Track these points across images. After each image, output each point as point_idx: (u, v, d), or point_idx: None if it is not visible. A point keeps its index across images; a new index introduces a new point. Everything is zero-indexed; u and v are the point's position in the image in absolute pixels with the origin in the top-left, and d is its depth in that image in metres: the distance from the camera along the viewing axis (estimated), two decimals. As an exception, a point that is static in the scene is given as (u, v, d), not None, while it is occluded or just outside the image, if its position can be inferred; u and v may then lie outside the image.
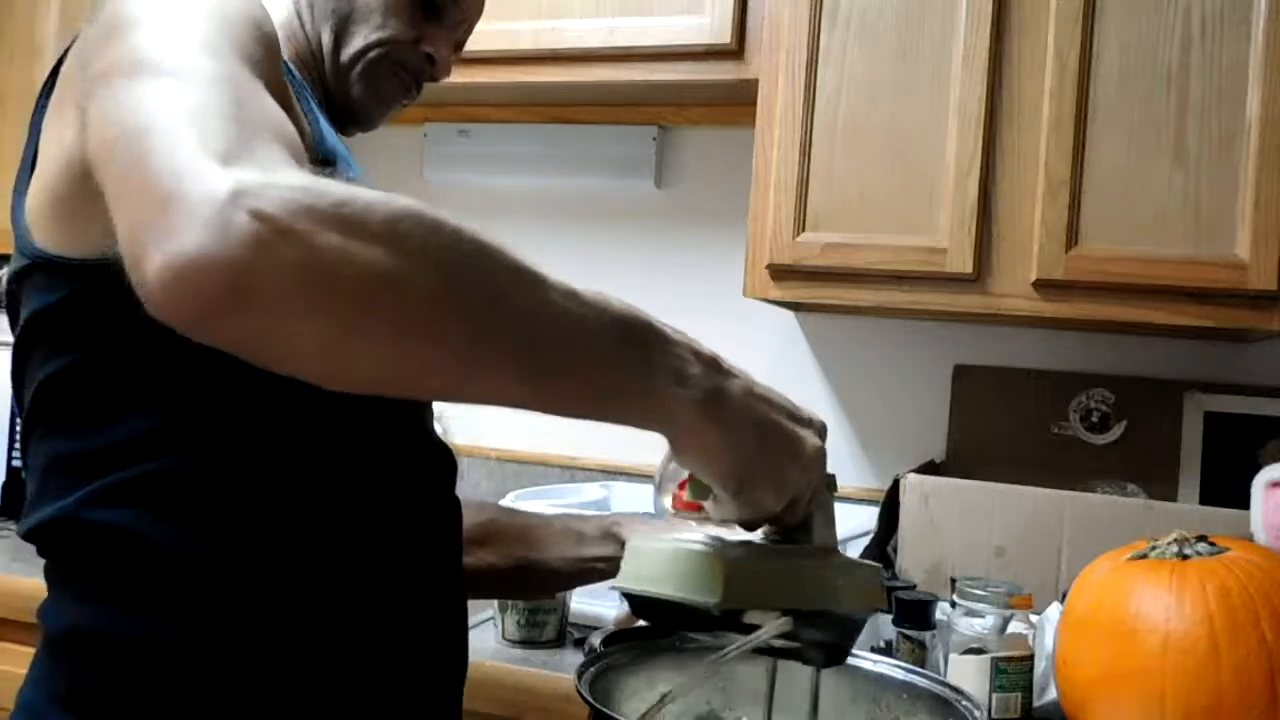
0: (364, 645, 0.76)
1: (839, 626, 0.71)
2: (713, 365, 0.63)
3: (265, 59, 0.68)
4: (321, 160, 0.77)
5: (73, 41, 0.73)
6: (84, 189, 0.65)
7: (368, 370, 0.52)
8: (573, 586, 1.13)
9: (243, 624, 0.71)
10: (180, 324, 0.49)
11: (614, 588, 0.70)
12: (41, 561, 0.77)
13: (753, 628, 0.66)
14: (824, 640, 0.70)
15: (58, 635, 0.73)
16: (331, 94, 0.94)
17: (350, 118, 0.97)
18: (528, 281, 0.56)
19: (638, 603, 0.68)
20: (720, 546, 0.66)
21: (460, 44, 1.03)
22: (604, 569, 1.03)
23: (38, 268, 0.72)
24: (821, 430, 0.68)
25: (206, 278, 0.48)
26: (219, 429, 0.71)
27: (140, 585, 0.70)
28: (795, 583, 0.68)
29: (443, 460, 0.88)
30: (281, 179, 0.51)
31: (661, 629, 0.71)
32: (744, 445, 0.63)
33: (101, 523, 0.70)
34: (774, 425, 0.64)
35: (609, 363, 0.58)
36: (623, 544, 0.99)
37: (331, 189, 0.51)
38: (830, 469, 0.69)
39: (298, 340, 0.50)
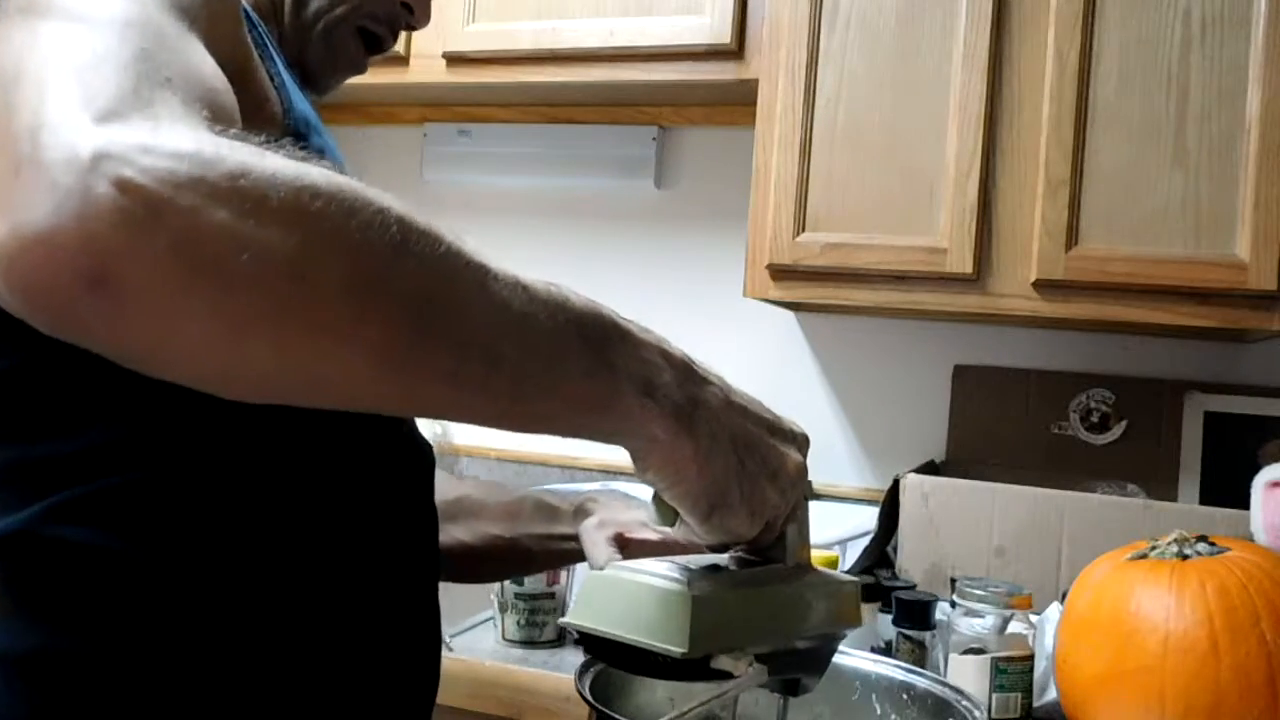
0: (336, 657, 0.72)
1: (810, 655, 0.66)
2: (685, 371, 0.56)
3: (208, 7, 0.58)
4: (293, 132, 0.67)
5: None
6: None
7: (269, 378, 0.44)
8: (547, 568, 1.03)
9: (219, 641, 0.66)
10: (33, 317, 0.41)
11: (565, 624, 0.61)
12: None
13: (720, 673, 0.58)
14: (794, 674, 0.65)
15: (12, 657, 0.65)
16: (285, 51, 0.82)
17: (305, 81, 0.85)
18: (466, 273, 0.47)
19: (591, 642, 0.59)
20: (686, 582, 0.57)
21: None
22: (574, 549, 0.93)
23: None
24: (803, 444, 0.61)
25: (57, 260, 0.39)
26: (183, 438, 0.64)
27: (106, 605, 0.64)
28: (768, 619, 0.61)
29: (420, 460, 0.82)
30: (168, 141, 0.42)
31: (619, 668, 0.62)
32: (717, 464, 0.55)
33: (64, 539, 0.63)
34: (752, 441, 0.57)
35: (565, 369, 0.51)
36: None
37: (230, 155, 0.42)
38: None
39: (178, 341, 0.41)
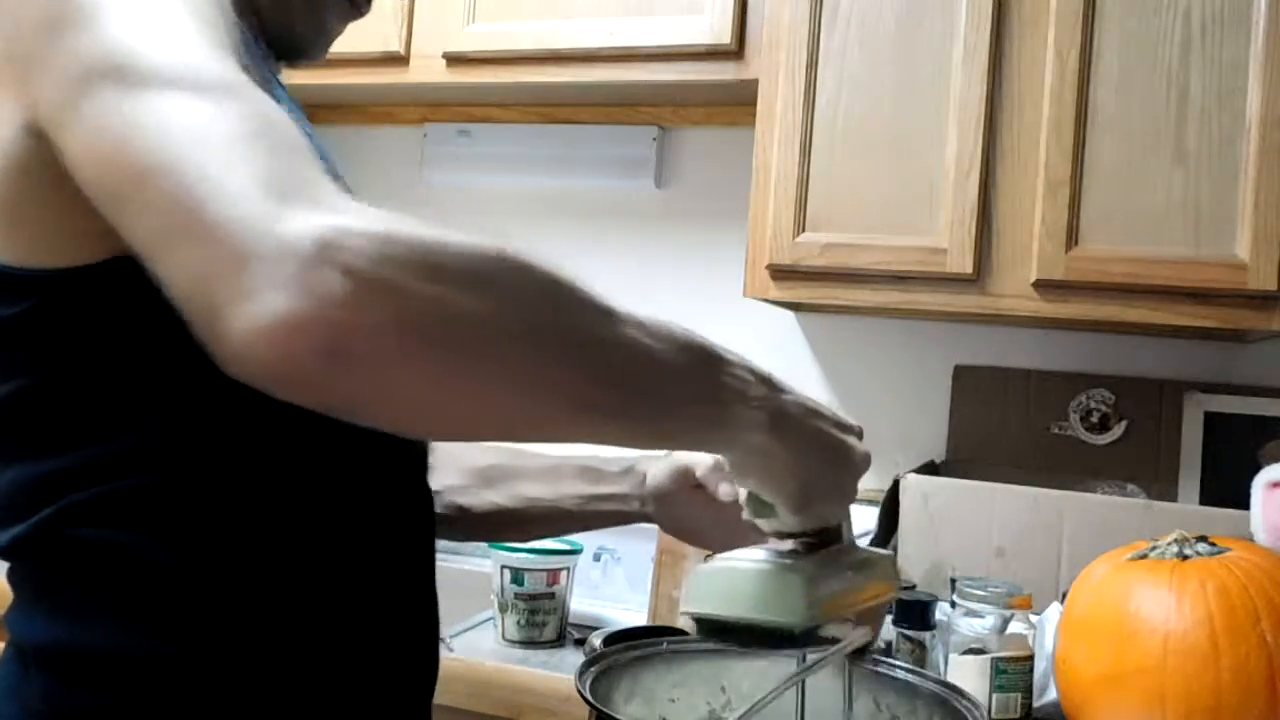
0: (342, 650, 0.74)
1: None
2: (770, 384, 0.63)
3: (230, 35, 0.61)
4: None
5: None
6: (38, 194, 0.61)
7: (472, 420, 0.51)
8: (587, 528, 1.06)
9: (231, 634, 0.69)
10: (269, 387, 0.47)
11: (685, 613, 0.69)
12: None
13: (829, 640, 0.67)
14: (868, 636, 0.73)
15: (30, 647, 0.69)
16: (267, 24, 0.82)
17: (293, 50, 0.85)
18: (607, 318, 0.54)
19: (708, 626, 0.67)
20: (793, 564, 0.66)
21: None
22: (620, 510, 0.99)
23: None
24: (860, 434, 0.70)
25: (300, 341, 0.45)
26: (192, 443, 0.68)
27: (122, 601, 0.67)
28: (859, 589, 0.70)
29: (416, 455, 0.84)
30: (357, 223, 0.48)
31: (734, 647, 0.71)
32: (807, 463, 0.64)
33: (84, 539, 0.66)
34: (830, 439, 0.66)
35: (686, 393, 0.58)
36: (643, 479, 0.97)
37: (405, 230, 0.49)
38: None
39: (400, 396, 0.48)
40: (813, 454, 0.65)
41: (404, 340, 0.47)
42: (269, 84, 0.70)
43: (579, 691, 0.73)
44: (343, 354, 0.46)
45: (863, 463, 0.68)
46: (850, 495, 0.68)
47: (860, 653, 0.73)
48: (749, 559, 0.67)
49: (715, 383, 0.59)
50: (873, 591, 0.72)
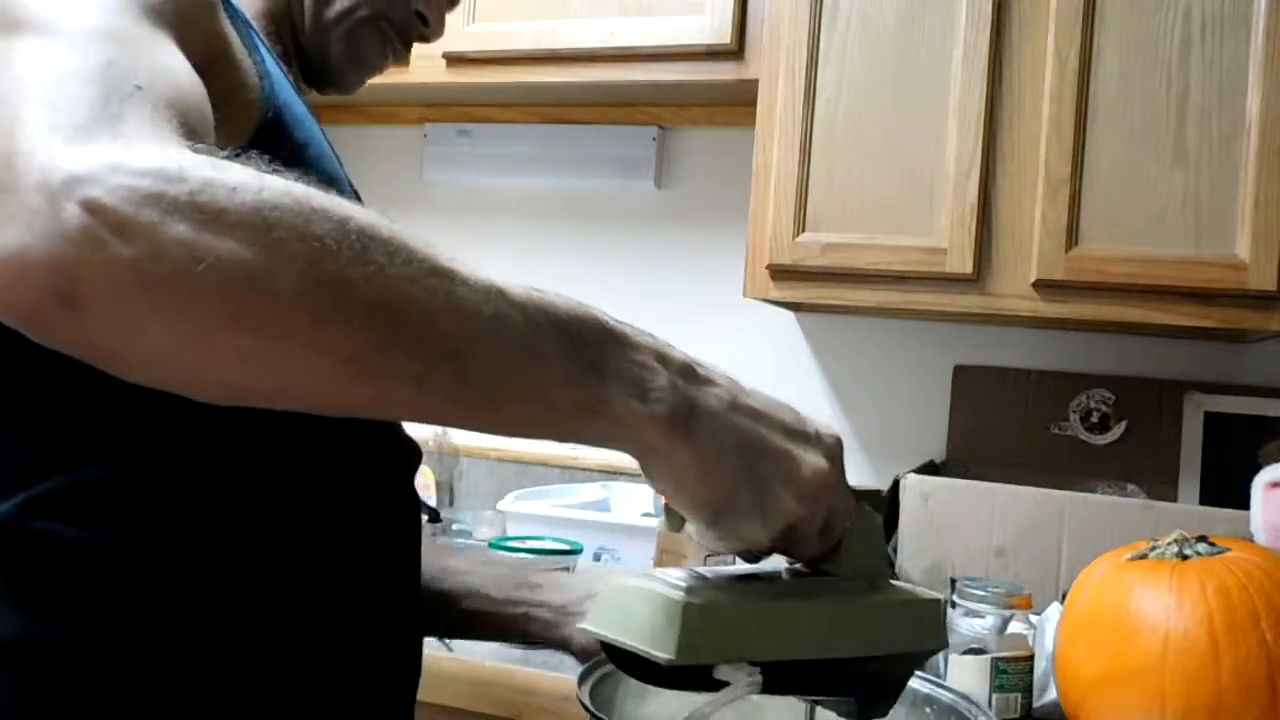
0: (316, 647, 0.72)
1: (875, 675, 0.62)
2: (685, 374, 0.54)
3: (183, 3, 0.60)
4: (271, 120, 0.69)
5: None
6: None
7: (235, 383, 0.46)
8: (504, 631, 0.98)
9: (198, 631, 0.67)
10: (13, 325, 0.44)
11: (579, 629, 0.62)
12: None
13: (723, 684, 0.57)
14: (855, 693, 0.62)
15: None
16: (307, 53, 0.87)
17: (327, 78, 0.90)
18: (431, 278, 0.47)
19: (606, 648, 0.59)
20: (685, 589, 0.55)
21: (454, 2, 0.96)
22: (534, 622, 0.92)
23: None
24: (831, 448, 0.59)
25: (28, 279, 0.42)
26: (157, 433, 0.65)
27: (87, 595, 0.65)
28: (788, 633, 0.58)
29: (403, 454, 0.82)
30: (133, 159, 0.44)
31: (630, 674, 0.60)
32: (720, 468, 0.54)
33: (46, 532, 0.64)
34: (761, 444, 0.55)
35: (544, 372, 0.50)
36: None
37: (193, 170, 0.44)
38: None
39: (145, 347, 0.44)
40: (730, 459, 0.54)
41: (140, 287, 0.42)
42: (263, 75, 0.70)
43: (579, 700, 0.72)
44: (73, 297, 0.42)
45: (814, 478, 0.56)
46: (785, 515, 0.56)
47: (865, 708, 0.62)
48: (654, 578, 0.57)
49: (594, 366, 0.51)
50: (845, 638, 0.59)
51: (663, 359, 0.54)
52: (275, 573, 0.70)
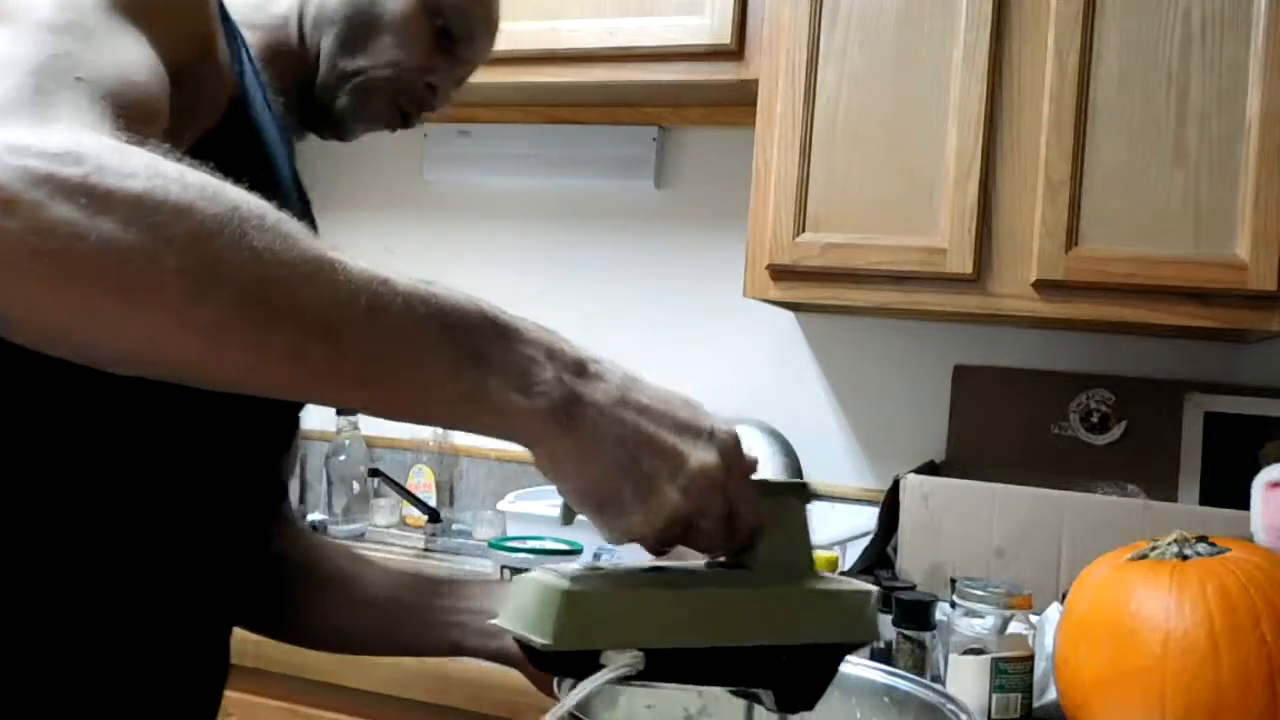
0: (125, 648, 0.73)
1: (795, 667, 0.62)
2: (575, 368, 0.55)
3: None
4: (231, 121, 0.71)
5: None
6: None
7: (120, 353, 0.49)
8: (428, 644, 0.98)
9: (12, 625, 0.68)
10: None
11: (489, 623, 0.64)
12: None
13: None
14: (771, 686, 0.62)
15: None
16: (315, 97, 0.91)
17: (329, 125, 0.93)
18: (309, 264, 0.49)
19: (518, 643, 0.60)
20: (578, 576, 0.57)
21: (461, 81, 0.99)
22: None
23: None
24: (724, 444, 0.58)
25: None
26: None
27: None
28: (680, 622, 0.59)
29: (262, 438, 0.82)
30: (42, 143, 0.47)
31: (535, 665, 0.61)
32: (600, 460, 0.55)
33: None
34: (646, 438, 0.56)
35: (420, 359, 0.52)
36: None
37: (95, 155, 0.47)
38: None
39: (36, 319, 0.47)
40: (610, 452, 0.55)
41: (20, 262, 0.45)
42: (238, 78, 0.72)
43: (556, 696, 0.71)
44: None
45: (700, 473, 0.56)
46: (668, 507, 0.56)
47: (785, 698, 0.63)
48: (550, 571, 0.59)
49: (476, 356, 0.53)
50: (705, 630, 0.60)
51: (552, 353, 0.55)
52: (87, 552, 0.70)
